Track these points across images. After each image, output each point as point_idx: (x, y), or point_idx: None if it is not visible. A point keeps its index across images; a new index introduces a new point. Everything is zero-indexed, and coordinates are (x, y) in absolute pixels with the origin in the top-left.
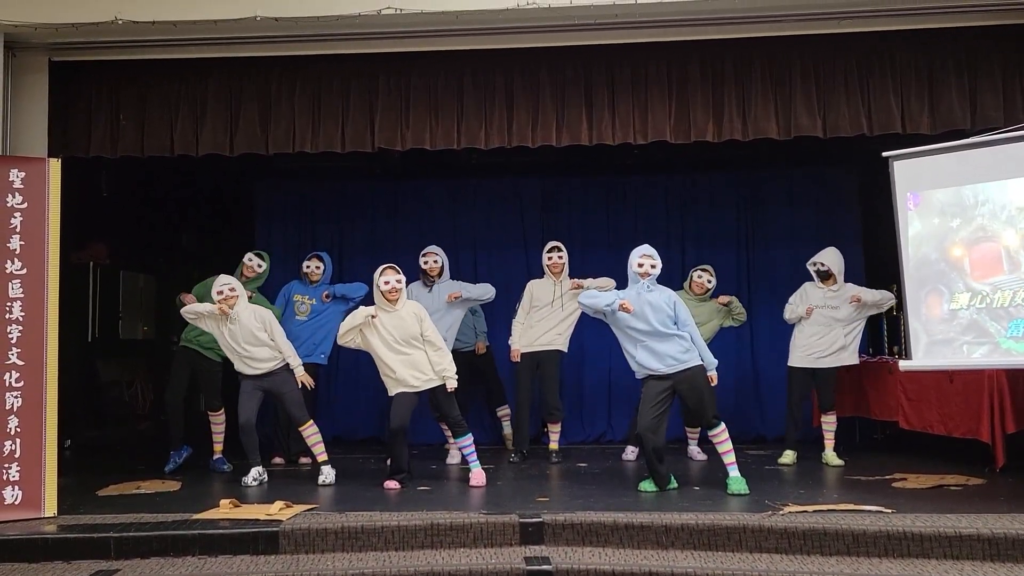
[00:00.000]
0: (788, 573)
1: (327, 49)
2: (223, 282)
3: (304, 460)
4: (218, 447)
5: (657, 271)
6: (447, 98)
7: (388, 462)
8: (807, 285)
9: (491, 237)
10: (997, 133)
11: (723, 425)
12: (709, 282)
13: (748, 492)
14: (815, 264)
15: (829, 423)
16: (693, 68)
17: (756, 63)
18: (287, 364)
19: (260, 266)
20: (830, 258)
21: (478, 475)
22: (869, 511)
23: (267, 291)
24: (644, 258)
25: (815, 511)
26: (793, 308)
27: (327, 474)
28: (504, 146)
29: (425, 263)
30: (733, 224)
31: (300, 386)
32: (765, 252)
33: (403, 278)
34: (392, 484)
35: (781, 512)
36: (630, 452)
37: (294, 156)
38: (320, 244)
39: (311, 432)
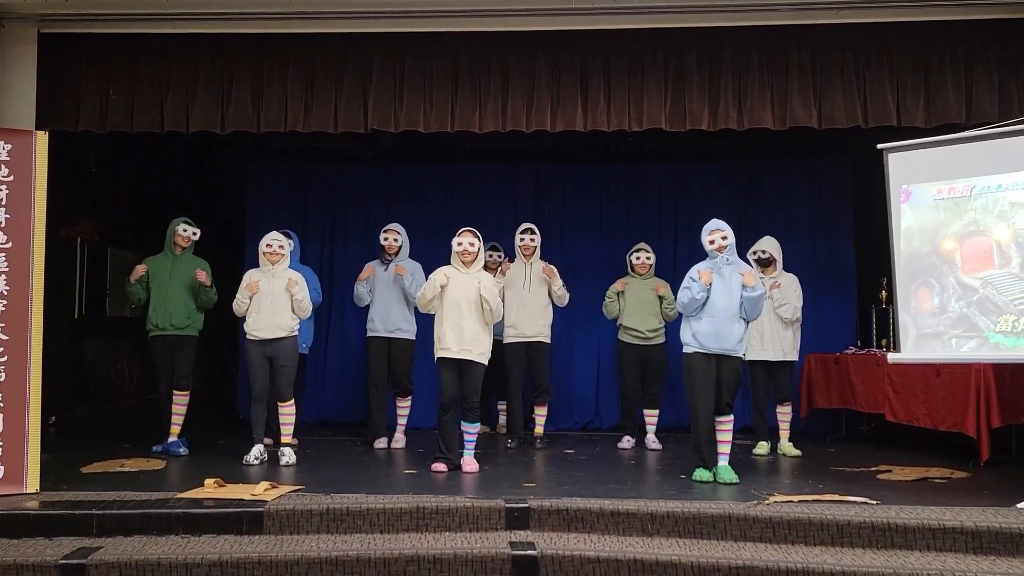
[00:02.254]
0: (772, 562)
1: (321, 27)
2: (272, 237)
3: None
4: (176, 428)
5: (730, 242)
6: (442, 81)
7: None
8: None
9: (484, 222)
10: (992, 128)
11: (732, 416)
12: (648, 259)
13: (737, 481)
14: (755, 253)
15: (784, 414)
16: (690, 56)
17: (753, 53)
18: (295, 336)
19: (195, 234)
20: (770, 245)
21: (469, 462)
22: (854, 502)
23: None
24: (714, 233)
25: (800, 501)
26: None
27: (288, 455)
28: (498, 130)
29: (385, 239)
30: (726, 214)
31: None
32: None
33: (479, 243)
34: (440, 466)
35: (767, 502)
36: (626, 441)
37: (287, 136)
38: (312, 227)
39: (289, 411)
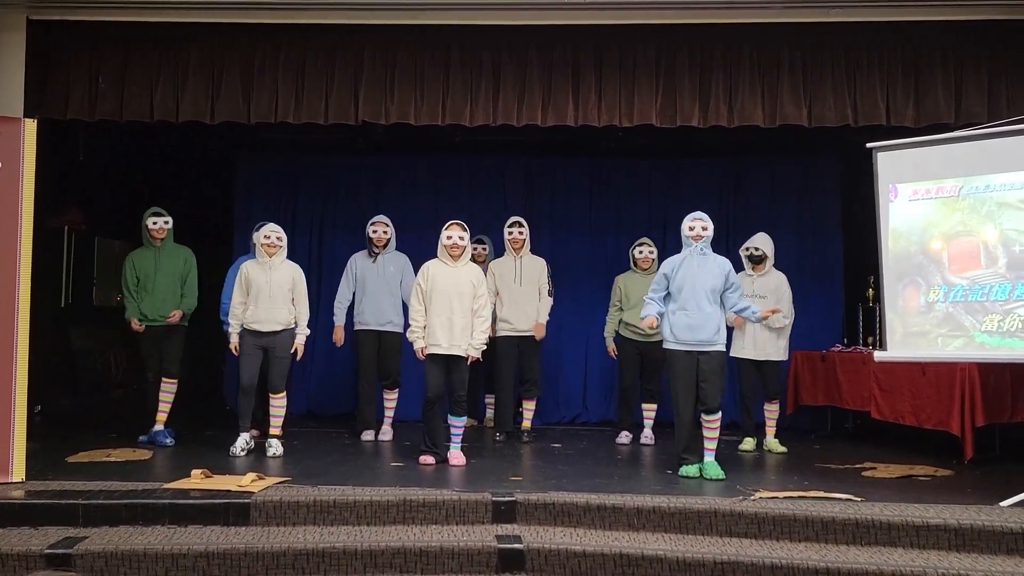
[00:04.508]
0: (757, 558)
1: (312, 18)
2: (271, 229)
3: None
4: (162, 416)
5: (709, 233)
6: (433, 73)
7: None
8: (741, 276)
9: (473, 215)
10: (980, 128)
11: (720, 414)
12: (651, 253)
13: (723, 477)
14: (748, 249)
15: (772, 411)
16: (682, 53)
17: (745, 50)
18: (292, 329)
19: (167, 223)
20: (763, 242)
21: (456, 455)
22: (839, 499)
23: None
24: (695, 221)
25: (785, 497)
26: None
27: (276, 447)
28: (489, 124)
29: (374, 232)
30: (715, 210)
31: (292, 351)
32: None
33: (467, 236)
34: (427, 459)
35: (752, 498)
36: (624, 436)
37: (277, 127)
38: (301, 218)
39: (280, 404)
